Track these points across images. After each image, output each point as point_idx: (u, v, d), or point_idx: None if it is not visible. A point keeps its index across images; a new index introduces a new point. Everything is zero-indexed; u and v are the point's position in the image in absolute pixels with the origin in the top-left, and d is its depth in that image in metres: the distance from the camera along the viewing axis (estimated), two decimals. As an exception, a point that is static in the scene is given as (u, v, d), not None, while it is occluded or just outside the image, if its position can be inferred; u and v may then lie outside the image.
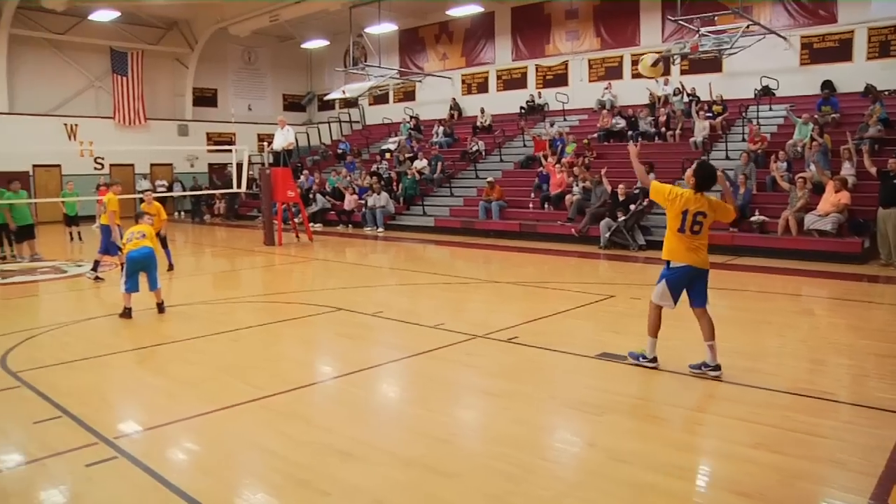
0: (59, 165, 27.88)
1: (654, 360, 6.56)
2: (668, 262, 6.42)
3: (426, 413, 5.69)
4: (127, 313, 9.33)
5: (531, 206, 19.45)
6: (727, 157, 17.93)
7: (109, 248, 12.40)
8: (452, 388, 6.44)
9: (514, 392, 6.11)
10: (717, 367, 6.29)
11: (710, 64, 21.13)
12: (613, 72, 24.46)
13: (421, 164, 23.31)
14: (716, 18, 18.75)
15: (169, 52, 31.58)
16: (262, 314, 10.12)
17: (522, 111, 25.88)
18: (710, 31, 18.48)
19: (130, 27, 29.74)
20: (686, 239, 6.32)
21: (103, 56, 29.38)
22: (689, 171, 6.52)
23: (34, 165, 26.93)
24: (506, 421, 5.43)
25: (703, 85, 21.16)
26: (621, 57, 24.22)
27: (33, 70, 27.86)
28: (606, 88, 23.94)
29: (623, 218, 15.87)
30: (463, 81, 28.92)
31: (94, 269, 12.80)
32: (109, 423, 5.55)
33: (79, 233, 20.36)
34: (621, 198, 16.16)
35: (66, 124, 28.16)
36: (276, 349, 8.06)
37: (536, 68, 26.56)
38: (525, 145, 23.64)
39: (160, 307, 9.67)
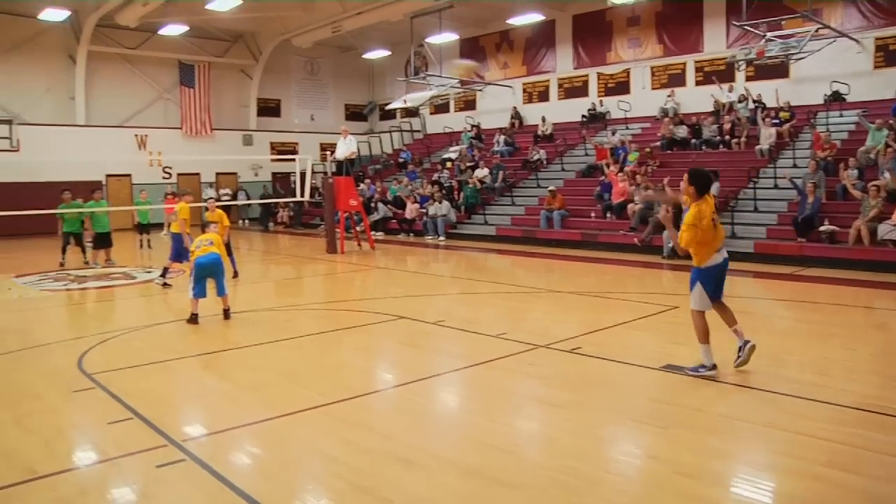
0: (129, 175, 28.74)
1: (714, 366, 6.53)
2: (698, 269, 6.58)
3: (488, 423, 5.66)
4: (194, 319, 9.53)
5: (593, 215, 19.27)
6: (795, 165, 17.52)
7: (181, 254, 12.64)
8: (514, 399, 6.40)
9: (577, 403, 6.05)
10: (747, 342, 6.56)
11: (777, 69, 20.67)
12: (676, 79, 24.15)
13: (482, 172, 23.31)
14: (783, 22, 18.33)
15: (234, 64, 32.26)
16: (324, 322, 10.23)
17: (584, 119, 25.71)
18: (776, 36, 18.09)
19: (198, 41, 30.49)
20: (716, 240, 6.54)
21: (172, 69, 30.19)
22: (684, 184, 6.59)
23: (107, 175, 27.76)
24: (569, 432, 5.38)
25: (770, 91, 20.70)
26: (684, 64, 23.89)
27: (107, 84, 28.79)
28: (669, 96, 23.64)
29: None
30: (524, 90, 28.89)
31: (163, 275, 13.14)
32: (178, 426, 5.69)
33: (148, 240, 20.89)
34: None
35: (136, 135, 29.05)
36: (337, 356, 8.14)
37: (598, 76, 26.37)
38: (587, 154, 23.49)
39: (226, 313, 9.85)
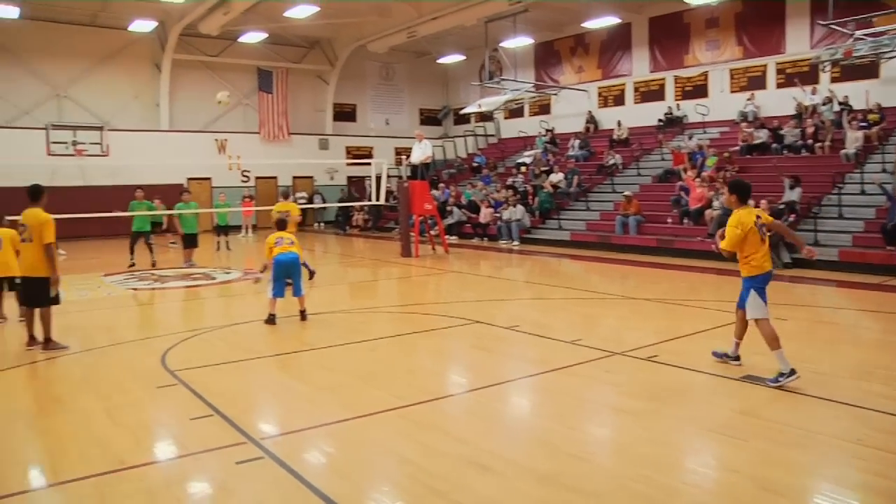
0: (209, 178, 29.51)
1: (792, 371, 6.43)
2: (749, 278, 6.82)
3: (563, 429, 5.61)
4: (271, 319, 9.73)
5: (669, 220, 18.92)
6: (884, 170, 16.86)
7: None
8: (590, 405, 6.34)
9: (654, 412, 5.95)
10: (738, 359, 7.18)
11: (866, 70, 19.86)
12: (756, 81, 23.52)
13: (557, 177, 23.19)
14: (874, 20, 17.61)
15: (311, 70, 32.78)
16: (398, 324, 10.33)
17: (660, 124, 25.30)
18: (866, 34, 17.39)
19: (276, 47, 31.12)
20: (764, 247, 6.84)
21: (251, 75, 30.90)
22: (726, 196, 7.44)
23: (188, 178, 28.51)
24: (646, 442, 5.28)
25: (857, 93, 19.97)
26: (765, 66, 23.25)
27: (190, 90, 29.66)
28: (749, 99, 23.04)
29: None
30: (599, 94, 28.59)
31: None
32: (256, 425, 5.83)
33: (227, 242, 21.42)
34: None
35: (216, 139, 29.84)
36: (412, 359, 8.20)
37: (675, 79, 25.91)
38: (663, 159, 23.09)
39: (303, 314, 10.02)
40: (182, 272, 16.01)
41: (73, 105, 27.35)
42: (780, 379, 6.43)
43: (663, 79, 26.29)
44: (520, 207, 21.76)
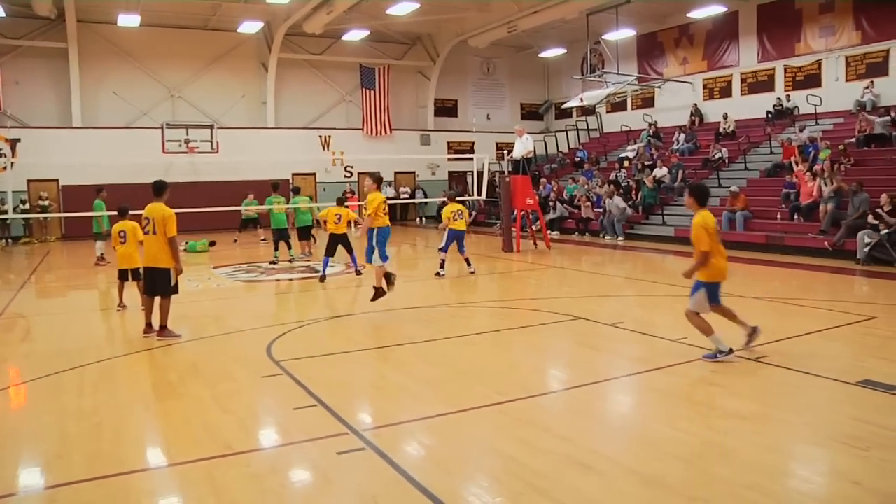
0: (313, 174, 30.29)
1: (731, 350, 7.23)
2: (705, 283, 7.28)
3: (669, 431, 5.44)
4: (381, 292, 10.02)
5: (779, 216, 18.21)
6: None
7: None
8: (696, 407, 6.14)
9: (765, 416, 5.70)
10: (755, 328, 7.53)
11: None
12: (876, 68, 22.20)
13: (661, 172, 22.64)
14: None
15: (412, 66, 33.04)
16: (499, 319, 10.27)
17: (769, 116, 24.31)
18: None
19: (378, 44, 31.55)
20: (723, 251, 7.36)
21: (353, 72, 31.38)
22: (687, 198, 7.64)
23: (293, 174, 29.40)
24: (756, 447, 5.05)
25: None
26: (886, 51, 21.90)
27: (294, 88, 30.59)
28: (867, 88, 21.85)
29: (886, 231, 14.38)
30: (704, 86, 27.71)
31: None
32: (358, 416, 5.92)
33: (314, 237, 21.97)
34: (886, 208, 14.63)
35: (320, 136, 30.63)
36: (513, 355, 8.15)
37: (785, 69, 24.82)
38: (772, 152, 22.20)
39: (388, 279, 10.15)
40: (288, 265, 16.42)
41: (186, 105, 28.61)
42: (718, 356, 7.18)
43: (772, 69, 25.23)
44: (622, 202, 21.36)
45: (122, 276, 10.80)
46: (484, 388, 6.54)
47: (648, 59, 29.66)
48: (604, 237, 21.30)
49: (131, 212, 10.93)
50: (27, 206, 26.01)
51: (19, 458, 5.23)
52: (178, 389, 6.79)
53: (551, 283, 14.20)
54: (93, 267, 16.96)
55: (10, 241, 26.03)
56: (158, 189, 8.96)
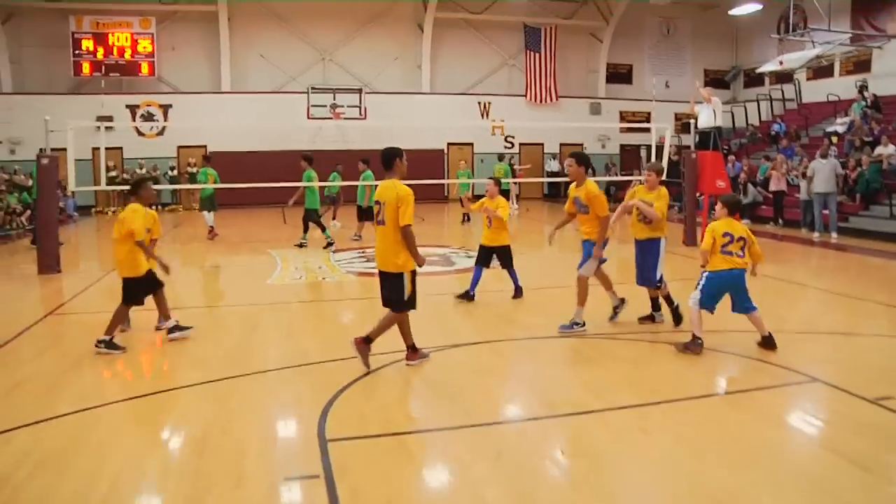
0: (471, 144, 28.13)
1: (584, 324, 7.65)
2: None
3: None
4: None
5: None
6: None
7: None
8: None
9: None
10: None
11: None
12: None
13: (886, 150, 18.38)
14: None
15: (582, 27, 30.18)
16: (699, 370, 6.89)
17: None
18: None
19: (544, 2, 29.14)
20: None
21: (517, 33, 29.19)
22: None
23: (448, 143, 27.43)
24: None
25: None
26: None
27: (452, 51, 28.82)
28: None
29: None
30: (942, 46, 22.85)
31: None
32: None
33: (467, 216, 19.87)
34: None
35: (479, 102, 28.69)
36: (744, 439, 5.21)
37: None
38: None
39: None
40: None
41: (337, 68, 27.70)
42: (574, 327, 7.56)
43: None
44: (830, 160, 16.91)
45: None
46: None
47: (866, 12, 24.79)
48: (814, 230, 17.02)
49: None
50: (175, 172, 25.44)
51: None
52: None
53: (761, 303, 10.21)
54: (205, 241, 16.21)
55: (159, 206, 25.71)
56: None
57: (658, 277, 7.87)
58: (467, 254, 13.64)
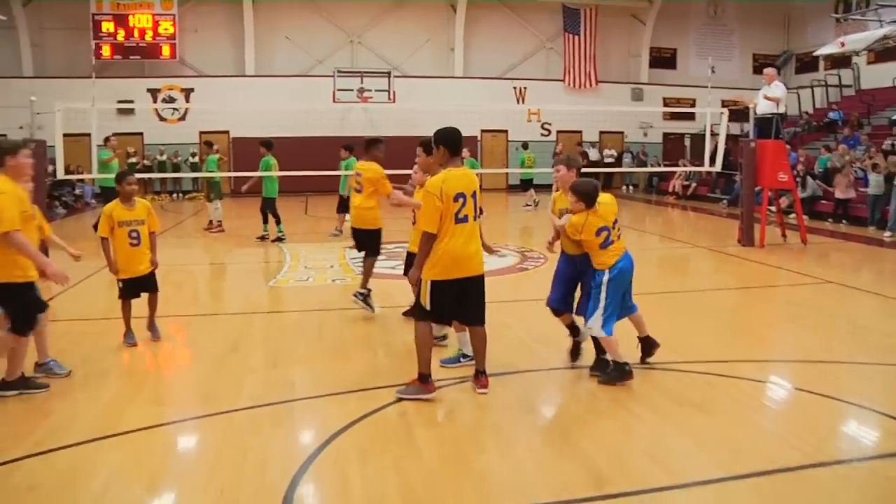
0: (506, 131, 26.96)
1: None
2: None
3: None
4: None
5: None
6: None
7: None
8: None
9: None
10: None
11: None
12: None
13: (965, 141, 16.73)
14: None
15: (624, 8, 28.69)
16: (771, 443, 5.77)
17: None
18: None
19: (585, -18, 27.67)
20: None
21: (555, 14, 27.87)
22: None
23: (482, 130, 26.23)
24: None
25: None
26: None
27: (486, 33, 27.62)
28: None
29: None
30: None
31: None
32: None
33: (535, 201, 19.28)
34: None
35: (514, 87, 27.49)
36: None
37: None
38: None
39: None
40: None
41: (365, 51, 26.76)
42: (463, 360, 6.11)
43: None
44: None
45: None
46: None
47: (939, -11, 22.89)
48: (884, 229, 15.07)
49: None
50: (196, 159, 24.51)
51: None
52: None
53: (854, 326, 7.97)
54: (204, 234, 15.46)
55: (181, 195, 24.92)
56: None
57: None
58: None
